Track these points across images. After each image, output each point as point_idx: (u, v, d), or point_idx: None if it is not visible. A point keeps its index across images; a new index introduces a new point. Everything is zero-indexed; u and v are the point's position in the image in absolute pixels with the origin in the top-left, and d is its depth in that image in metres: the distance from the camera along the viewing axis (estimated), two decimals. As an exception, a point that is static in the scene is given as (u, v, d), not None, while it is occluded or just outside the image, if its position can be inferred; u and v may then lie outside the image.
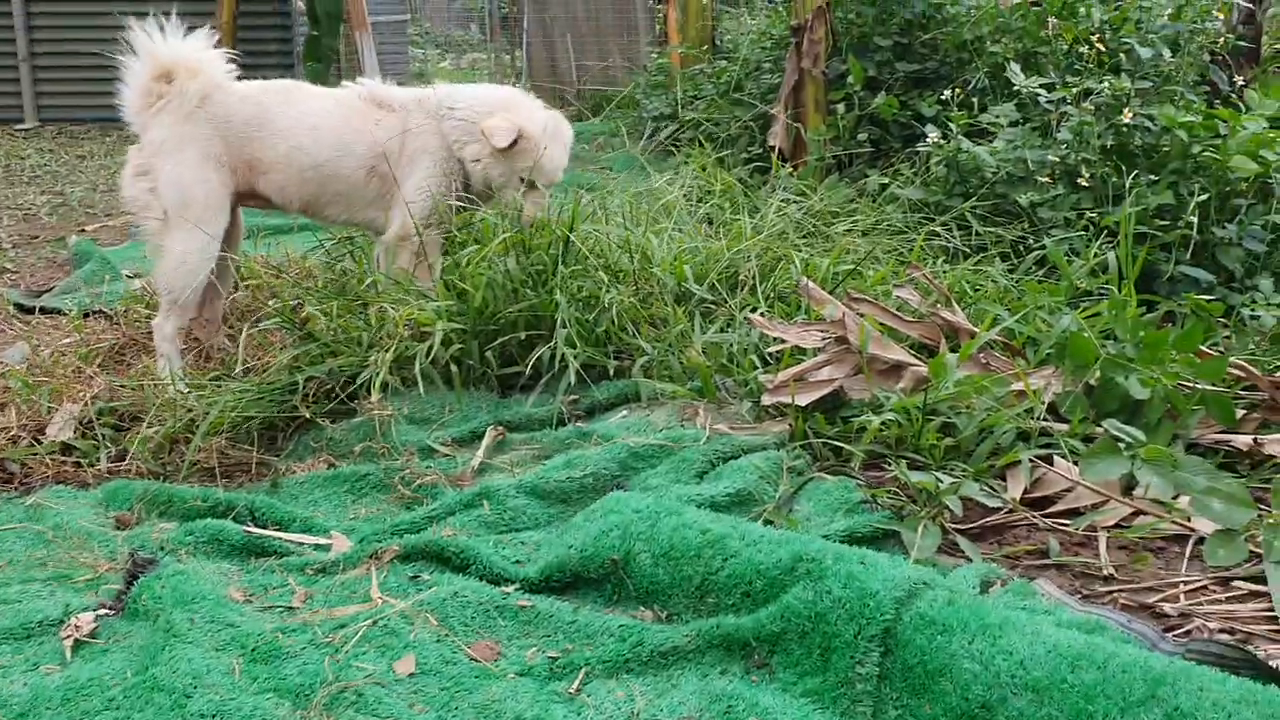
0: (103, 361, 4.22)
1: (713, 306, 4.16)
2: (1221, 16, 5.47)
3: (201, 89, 4.08)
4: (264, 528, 3.04)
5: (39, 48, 12.97)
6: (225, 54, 4.21)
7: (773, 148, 6.76)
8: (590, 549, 2.68)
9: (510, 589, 2.64)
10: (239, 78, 4.26)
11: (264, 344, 4.07)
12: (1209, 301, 4.08)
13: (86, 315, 5.08)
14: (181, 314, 4.12)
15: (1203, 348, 3.56)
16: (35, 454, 3.57)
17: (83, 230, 7.39)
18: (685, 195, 5.39)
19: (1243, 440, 3.22)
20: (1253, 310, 4.18)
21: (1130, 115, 4.69)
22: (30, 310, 5.36)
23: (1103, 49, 5.27)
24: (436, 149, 4.21)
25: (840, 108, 6.45)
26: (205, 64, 4.11)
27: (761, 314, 3.94)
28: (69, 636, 2.50)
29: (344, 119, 4.22)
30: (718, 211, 5.38)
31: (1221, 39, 5.64)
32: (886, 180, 5.67)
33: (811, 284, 3.86)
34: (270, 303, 4.41)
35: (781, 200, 5.28)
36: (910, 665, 2.19)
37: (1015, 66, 5.46)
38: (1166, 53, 5.38)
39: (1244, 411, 3.37)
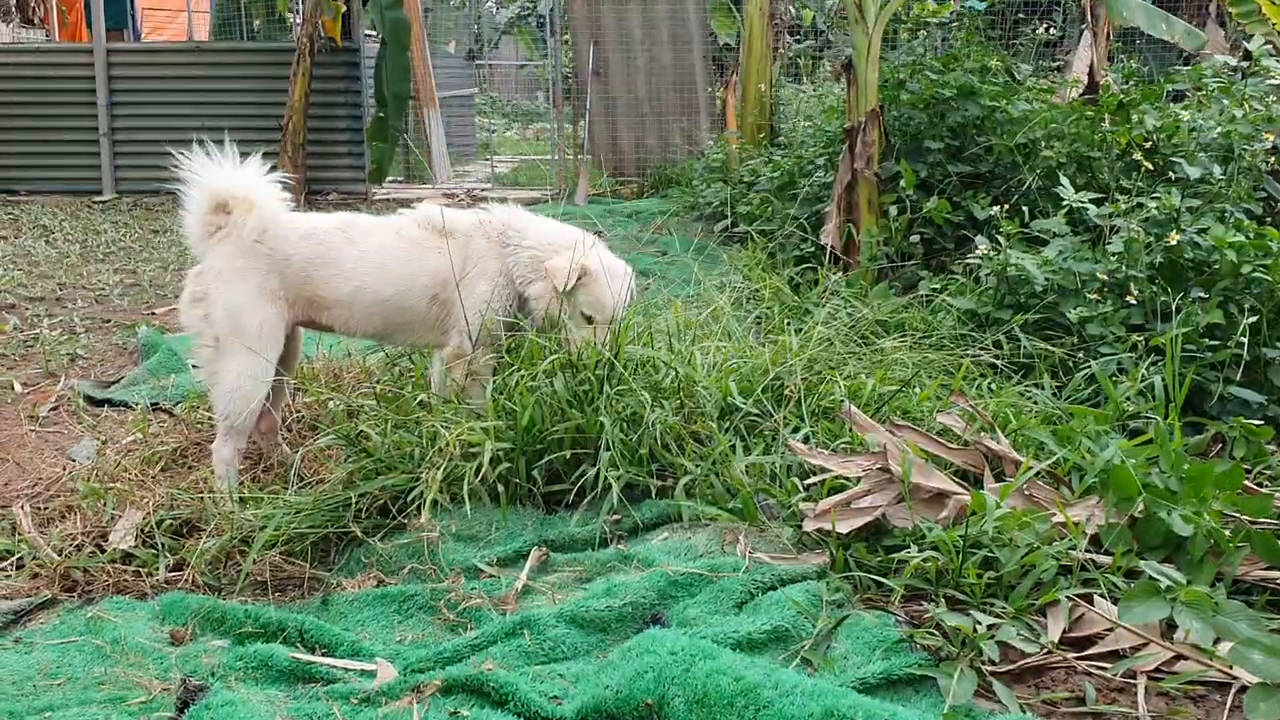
0: (165, 465, 4.35)
1: (757, 420, 4.20)
2: (1271, 139, 5.46)
3: (259, 223, 4.10)
4: (313, 650, 3.12)
5: (119, 123, 13.53)
6: (280, 182, 4.22)
7: (824, 247, 6.82)
8: (625, 691, 2.72)
9: (547, 729, 2.70)
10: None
11: (320, 455, 4.17)
12: (1259, 425, 4.06)
13: (154, 404, 5.26)
14: (239, 437, 4.13)
15: (1248, 483, 3.54)
16: (98, 562, 3.69)
17: (153, 313, 7.64)
18: (733, 301, 5.45)
19: (1287, 580, 3.20)
20: (1305, 432, 4.15)
21: (1177, 238, 4.69)
22: (99, 403, 5.54)
23: (1151, 168, 5.28)
24: (495, 273, 4.23)
25: (893, 210, 6.50)
26: (259, 198, 4.12)
27: (804, 436, 3.98)
28: (122, 766, 2.60)
29: (407, 253, 4.22)
30: (766, 317, 5.43)
31: (1276, 156, 5.62)
32: (937, 286, 5.69)
33: (856, 410, 3.89)
34: (329, 405, 4.53)
35: (830, 310, 5.33)
36: (937, 834, 2.21)
37: (1065, 180, 5.48)
38: (1216, 170, 5.38)
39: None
